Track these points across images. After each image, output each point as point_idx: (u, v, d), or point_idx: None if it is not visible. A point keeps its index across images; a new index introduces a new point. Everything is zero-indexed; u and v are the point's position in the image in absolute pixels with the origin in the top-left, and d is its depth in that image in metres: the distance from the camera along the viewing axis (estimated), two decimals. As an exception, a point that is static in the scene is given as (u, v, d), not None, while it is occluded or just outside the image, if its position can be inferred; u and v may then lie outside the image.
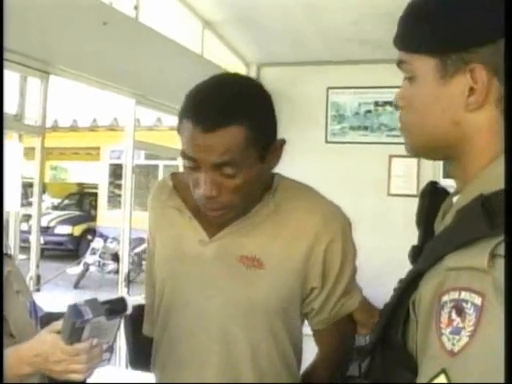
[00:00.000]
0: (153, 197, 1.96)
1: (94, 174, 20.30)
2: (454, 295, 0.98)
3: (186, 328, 1.80)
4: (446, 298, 0.99)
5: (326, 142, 5.96)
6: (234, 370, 1.77)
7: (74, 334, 1.44)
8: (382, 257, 4.79)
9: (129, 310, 1.52)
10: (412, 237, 1.33)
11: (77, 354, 1.44)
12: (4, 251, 2.12)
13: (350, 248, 1.82)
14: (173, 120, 8.55)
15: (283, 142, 1.71)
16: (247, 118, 1.58)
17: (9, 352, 1.56)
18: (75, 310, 1.43)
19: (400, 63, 1.20)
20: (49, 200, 21.23)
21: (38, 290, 3.73)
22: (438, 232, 1.16)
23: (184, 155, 1.63)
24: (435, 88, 1.14)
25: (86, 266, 13.88)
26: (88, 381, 1.72)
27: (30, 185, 3.81)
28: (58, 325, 1.49)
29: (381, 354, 1.16)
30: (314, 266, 1.76)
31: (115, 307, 1.50)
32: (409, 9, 1.18)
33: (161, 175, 16.91)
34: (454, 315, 0.97)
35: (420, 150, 1.23)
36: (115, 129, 14.03)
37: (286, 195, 1.78)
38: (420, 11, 1.15)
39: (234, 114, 1.57)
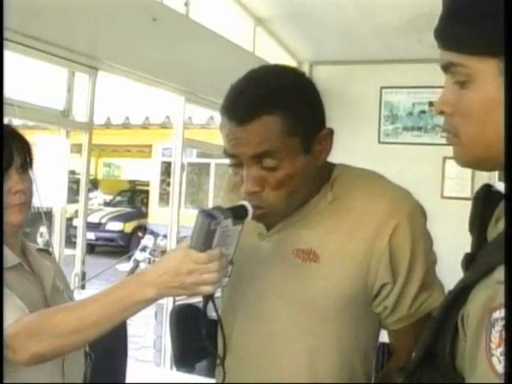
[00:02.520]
0: (222, 190, 1.96)
1: (146, 172, 20.46)
2: None
3: (245, 327, 1.73)
4: (496, 314, 0.91)
5: (379, 142, 5.87)
6: (293, 372, 1.67)
7: (207, 239, 1.40)
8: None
9: (249, 216, 1.49)
10: (465, 241, 1.23)
11: (210, 260, 1.39)
12: (45, 247, 2.10)
13: (422, 235, 1.67)
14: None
15: (331, 131, 1.63)
16: (282, 107, 1.54)
17: (127, 279, 1.54)
18: (207, 213, 1.41)
19: (450, 66, 1.08)
20: (101, 196, 21.48)
21: (82, 286, 3.71)
22: (491, 239, 1.06)
23: (225, 153, 1.60)
24: (498, 93, 1.01)
25: (136, 263, 13.92)
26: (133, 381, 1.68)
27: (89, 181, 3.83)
28: (186, 241, 1.44)
29: (427, 371, 1.07)
30: (379, 258, 1.62)
31: (238, 212, 1.47)
32: (462, 5, 1.05)
33: (213, 173, 16.96)
34: None
35: (476, 161, 1.11)
36: (167, 127, 14.09)
37: (346, 185, 1.68)
38: (479, 8, 1.02)
39: (266, 103, 1.53)
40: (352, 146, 5.30)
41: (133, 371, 3.06)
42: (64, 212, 3.65)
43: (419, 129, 5.76)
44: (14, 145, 1.78)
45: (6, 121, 3.05)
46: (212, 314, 1.61)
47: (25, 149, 1.81)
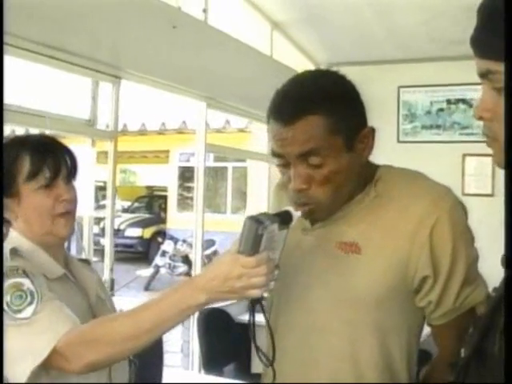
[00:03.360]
0: (273, 189, 2.04)
1: (163, 177, 20.51)
2: None
3: (284, 322, 1.79)
4: None
5: (398, 141, 5.89)
6: (334, 365, 1.72)
7: (254, 244, 1.45)
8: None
9: (294, 221, 1.55)
10: (487, 237, 1.26)
11: (258, 264, 1.43)
12: (84, 258, 2.15)
13: (463, 230, 1.70)
14: (242, 122, 8.63)
15: (373, 129, 1.69)
16: (325, 108, 1.61)
17: (179, 285, 1.57)
18: (254, 219, 1.45)
19: (487, 73, 1.09)
20: (119, 203, 21.56)
21: (112, 295, 3.75)
22: None
23: (273, 153, 1.67)
24: None
25: (157, 269, 14.01)
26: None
27: (101, 188, 3.86)
28: (234, 246, 1.49)
29: (475, 368, 1.09)
30: (420, 251, 1.66)
31: (283, 218, 1.52)
32: (497, 15, 1.04)
33: (230, 177, 17.01)
34: None
35: None
36: (184, 131, 14.14)
37: (389, 183, 1.74)
38: None
39: (309, 104, 1.61)
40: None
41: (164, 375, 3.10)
42: (91, 220, 3.70)
43: (438, 127, 5.77)
44: (61, 155, 1.83)
45: (36, 131, 3.12)
46: (239, 317, 1.67)
47: (71, 159, 1.86)
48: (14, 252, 1.75)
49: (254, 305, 1.54)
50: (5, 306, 1.61)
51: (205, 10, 4.42)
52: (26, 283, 1.64)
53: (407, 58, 5.71)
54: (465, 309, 1.71)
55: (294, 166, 1.63)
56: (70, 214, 1.84)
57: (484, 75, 1.09)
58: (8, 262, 1.69)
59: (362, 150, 1.68)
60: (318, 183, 1.64)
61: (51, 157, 1.81)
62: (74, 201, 1.86)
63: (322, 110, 1.60)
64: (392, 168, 1.81)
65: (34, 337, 1.58)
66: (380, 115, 5.79)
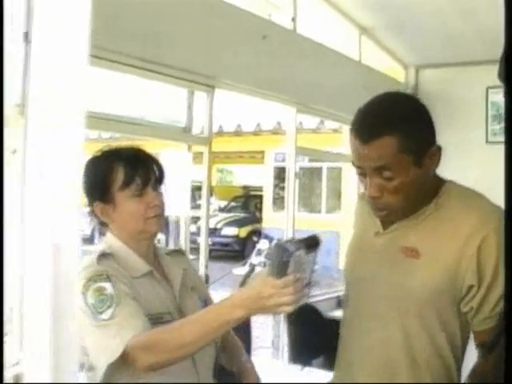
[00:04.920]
0: (359, 197, 2.37)
1: (259, 177, 20.75)
2: None
3: (356, 310, 2.10)
4: None
5: (487, 142, 5.89)
6: (388, 352, 2.00)
7: (281, 268, 1.66)
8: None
9: (320, 245, 1.76)
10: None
11: (285, 285, 1.65)
12: (178, 248, 2.41)
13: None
14: (335, 123, 8.57)
15: (439, 148, 1.94)
16: (398, 129, 1.86)
17: (219, 303, 1.84)
18: (281, 246, 1.68)
19: None
20: (215, 202, 21.91)
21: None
22: None
23: (352, 163, 1.96)
24: None
25: (252, 267, 14.14)
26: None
27: (198, 188, 4.09)
28: (264, 272, 1.74)
29: (504, 346, 1.25)
30: (468, 263, 1.90)
31: (310, 243, 1.73)
32: None
33: (324, 177, 17.09)
34: None
35: None
36: (279, 132, 14.31)
37: (450, 199, 1.99)
38: None
39: (385, 127, 1.87)
40: (460, 146, 5.38)
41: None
42: (188, 219, 3.94)
43: (527, 127, 5.75)
44: (150, 166, 2.09)
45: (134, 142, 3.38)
46: (329, 313, 1.92)
47: (158, 169, 2.12)
48: (102, 256, 2.02)
49: (290, 317, 1.77)
50: (91, 308, 1.89)
51: (293, 19, 4.57)
52: (108, 288, 1.90)
53: (495, 59, 5.70)
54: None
55: (370, 177, 1.91)
56: (159, 215, 2.11)
57: None
58: (95, 266, 1.97)
59: (429, 166, 1.93)
60: (390, 192, 1.91)
61: (142, 168, 2.08)
62: (162, 205, 2.12)
63: (395, 132, 1.85)
64: (455, 185, 2.05)
65: (110, 337, 1.85)
66: (468, 116, 5.88)
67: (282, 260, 1.66)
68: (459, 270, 1.90)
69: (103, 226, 2.15)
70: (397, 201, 1.92)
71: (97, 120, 3.19)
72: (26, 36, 0.75)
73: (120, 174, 2.05)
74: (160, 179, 2.14)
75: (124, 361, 1.84)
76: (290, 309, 1.69)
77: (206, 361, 2.18)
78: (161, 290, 2.10)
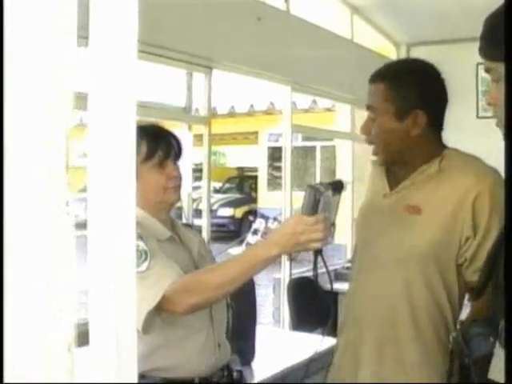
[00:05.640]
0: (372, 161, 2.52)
1: (253, 158, 20.80)
2: None
3: (362, 261, 2.31)
4: None
5: (477, 117, 5.99)
6: (390, 301, 2.17)
7: (313, 206, 1.84)
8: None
9: (345, 189, 1.97)
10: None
11: (316, 222, 1.82)
12: (187, 223, 2.54)
13: (499, 204, 1.95)
14: (328, 102, 8.70)
15: (424, 115, 2.16)
16: (386, 80, 2.19)
17: (255, 244, 2.04)
18: (313, 187, 1.87)
19: (488, 70, 1.53)
20: (210, 184, 21.91)
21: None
22: None
23: None
24: None
25: (248, 246, 14.30)
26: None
27: (195, 170, 4.21)
28: (298, 211, 1.90)
29: (490, 291, 1.39)
30: (464, 217, 2.07)
31: (336, 185, 1.93)
32: (494, 26, 1.46)
33: (318, 156, 17.16)
34: None
35: None
36: (272, 112, 14.37)
37: (451, 162, 2.17)
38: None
39: (378, 76, 2.23)
40: (451, 121, 5.46)
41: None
42: (190, 199, 4.07)
43: (517, 101, 5.84)
44: (170, 140, 2.23)
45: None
46: (328, 286, 2.05)
47: (177, 143, 2.26)
48: None
49: (317, 255, 1.93)
50: None
51: (286, 1, 4.68)
52: (141, 245, 2.02)
53: (485, 36, 5.80)
54: None
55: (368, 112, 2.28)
56: (177, 186, 2.25)
57: (487, 71, 1.45)
58: None
59: (411, 127, 2.16)
60: (374, 132, 2.26)
61: (163, 141, 2.22)
62: (180, 176, 2.26)
63: (384, 81, 2.20)
64: (458, 151, 2.23)
65: (148, 287, 1.96)
66: (459, 92, 5.86)
67: (315, 198, 1.83)
68: (456, 223, 2.08)
69: None
70: (379, 144, 2.20)
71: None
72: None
73: (143, 147, 2.18)
74: (179, 153, 2.28)
75: (161, 308, 1.96)
76: (319, 245, 1.86)
77: (222, 321, 2.33)
78: (182, 254, 2.23)
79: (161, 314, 2.00)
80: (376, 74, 2.23)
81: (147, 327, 1.95)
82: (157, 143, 2.20)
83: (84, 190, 0.80)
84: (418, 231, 2.12)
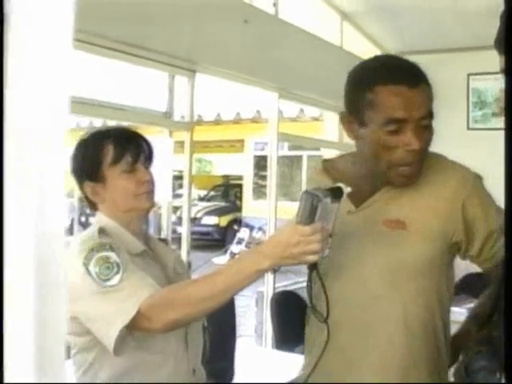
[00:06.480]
0: (308, 180, 2.23)
1: (239, 166, 20.72)
2: None
3: (338, 291, 1.92)
4: None
5: (468, 128, 5.90)
6: (385, 329, 1.91)
7: (310, 214, 1.63)
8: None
9: (344, 196, 1.76)
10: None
11: (313, 232, 1.61)
12: (163, 237, 2.37)
13: (487, 197, 1.96)
14: (316, 111, 8.62)
15: None
16: (428, 80, 1.87)
17: (245, 253, 1.81)
18: (310, 193, 1.65)
19: None
20: (195, 192, 21.87)
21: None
22: None
23: (389, 120, 1.82)
24: None
25: (232, 255, 14.21)
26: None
27: (177, 177, 4.05)
28: (294, 218, 1.68)
29: (496, 320, 1.25)
30: (456, 224, 1.90)
31: (336, 192, 1.71)
32: None
33: (305, 166, 17.08)
34: None
35: None
36: (258, 121, 14.28)
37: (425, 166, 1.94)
38: None
39: (423, 74, 1.87)
40: (441, 132, 5.37)
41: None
42: (170, 207, 3.91)
43: (508, 114, 5.75)
44: (140, 143, 2.06)
45: (113, 124, 3.33)
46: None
47: (148, 146, 2.09)
48: (102, 231, 1.97)
49: (312, 270, 1.73)
50: (94, 276, 1.84)
51: (275, 4, 4.55)
52: (113, 256, 1.85)
53: (476, 46, 5.71)
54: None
55: (413, 128, 1.81)
56: (150, 192, 2.07)
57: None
58: (96, 239, 1.92)
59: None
60: (425, 143, 1.86)
61: (131, 144, 2.04)
62: (152, 182, 2.08)
63: (427, 80, 1.86)
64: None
65: (121, 301, 1.78)
66: (450, 103, 5.87)
67: (312, 205, 1.63)
68: (448, 232, 1.91)
69: (93, 208, 2.12)
70: (425, 155, 1.90)
71: (75, 105, 3.14)
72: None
73: (110, 150, 2.02)
74: (150, 157, 2.10)
75: (134, 326, 1.79)
76: (315, 258, 1.65)
77: (198, 345, 2.15)
78: (155, 270, 2.05)
79: (133, 333, 1.82)
80: (421, 72, 1.89)
81: (119, 348, 1.77)
82: (125, 146, 2.03)
83: (70, 194, 0.70)
84: (408, 247, 1.91)
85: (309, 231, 1.62)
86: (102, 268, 1.84)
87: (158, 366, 1.97)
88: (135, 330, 1.80)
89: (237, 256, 14.17)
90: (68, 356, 1.94)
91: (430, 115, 1.84)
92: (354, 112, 1.90)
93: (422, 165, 1.89)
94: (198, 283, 1.83)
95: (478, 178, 1.97)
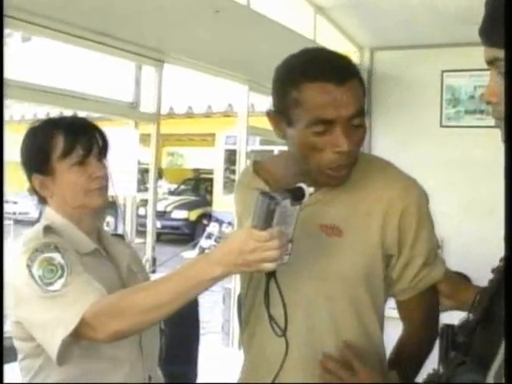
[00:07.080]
0: (238, 182, 2.13)
1: (210, 160, 20.63)
2: None
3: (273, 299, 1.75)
4: None
5: (441, 126, 5.84)
6: (317, 341, 1.80)
7: (267, 219, 1.50)
8: (497, 240, 4.65)
9: (306, 198, 1.56)
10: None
11: (270, 238, 1.48)
12: (119, 233, 2.25)
13: (426, 219, 1.86)
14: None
15: None
16: (358, 73, 1.73)
17: (196, 259, 1.67)
18: (267, 195, 1.51)
19: (494, 60, 1.18)
20: (165, 185, 21.74)
21: (153, 271, 3.86)
22: None
23: (315, 121, 1.68)
24: None
25: (202, 250, 14.14)
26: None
27: (147, 170, 3.94)
28: (248, 221, 1.54)
29: (481, 331, 1.19)
30: (390, 234, 1.80)
31: (296, 194, 1.55)
32: (501, 4, 1.13)
33: (275, 160, 17.01)
34: None
35: None
36: (230, 115, 14.18)
37: (364, 170, 1.83)
38: None
39: (353, 67, 1.73)
40: (414, 129, 5.37)
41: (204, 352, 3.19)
42: (134, 201, 3.80)
43: (481, 112, 5.70)
44: (93, 134, 1.93)
45: (83, 114, 3.21)
46: None
47: (102, 138, 1.96)
48: (48, 229, 1.86)
49: (269, 278, 1.60)
50: (37, 280, 1.72)
51: (248, -6, 4.45)
52: (57, 258, 1.74)
53: (451, 43, 5.65)
54: (422, 287, 1.87)
55: (343, 129, 1.67)
56: (102, 188, 1.95)
57: (491, 62, 1.20)
58: (41, 239, 1.80)
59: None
60: (356, 144, 1.72)
61: (83, 136, 1.92)
62: (106, 177, 1.96)
63: (358, 74, 1.72)
64: (364, 154, 1.90)
65: (64, 308, 1.68)
66: (423, 99, 5.84)
67: (269, 208, 1.49)
68: (384, 242, 1.81)
69: (43, 202, 1.99)
70: (356, 155, 1.76)
71: (35, 93, 3.01)
72: None
73: (60, 141, 1.90)
74: (104, 149, 1.98)
75: (79, 334, 1.68)
76: (272, 266, 1.52)
77: (153, 350, 2.04)
78: (107, 270, 1.95)
79: (79, 342, 1.70)
80: (349, 67, 1.73)
81: (62, 357, 1.66)
82: (76, 138, 1.91)
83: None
84: (345, 256, 1.79)
85: (265, 237, 1.49)
86: (46, 271, 1.73)
87: (108, 373, 1.87)
88: (80, 338, 1.70)
89: (206, 251, 14.11)
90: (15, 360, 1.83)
91: (361, 113, 1.71)
92: (281, 110, 1.76)
93: (352, 166, 1.76)
94: (146, 290, 1.71)
95: (425, 197, 1.86)
